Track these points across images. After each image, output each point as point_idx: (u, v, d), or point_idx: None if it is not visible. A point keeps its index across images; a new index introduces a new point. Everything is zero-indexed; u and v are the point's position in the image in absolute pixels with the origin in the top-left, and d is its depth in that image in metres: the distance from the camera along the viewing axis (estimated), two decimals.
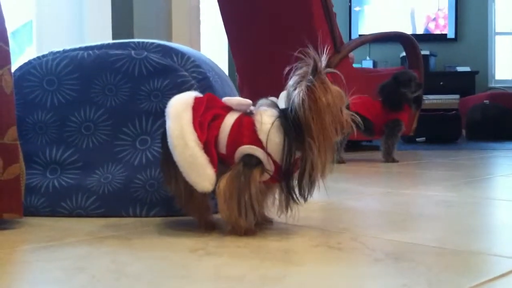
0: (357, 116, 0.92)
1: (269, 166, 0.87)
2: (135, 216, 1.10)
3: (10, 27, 3.00)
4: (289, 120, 0.85)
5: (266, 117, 0.88)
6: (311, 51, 0.85)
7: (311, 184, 0.87)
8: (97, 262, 0.76)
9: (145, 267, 0.73)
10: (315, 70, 0.85)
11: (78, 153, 1.16)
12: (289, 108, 0.86)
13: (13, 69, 1.04)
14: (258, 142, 0.87)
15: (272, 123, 0.87)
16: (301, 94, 0.84)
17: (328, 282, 0.65)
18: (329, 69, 0.87)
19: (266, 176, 0.88)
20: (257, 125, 0.88)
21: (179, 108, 0.92)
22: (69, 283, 0.66)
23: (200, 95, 0.97)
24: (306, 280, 0.66)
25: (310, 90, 0.84)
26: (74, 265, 0.74)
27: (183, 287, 0.64)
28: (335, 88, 0.88)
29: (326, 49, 0.87)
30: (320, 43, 0.85)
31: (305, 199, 0.88)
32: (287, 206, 0.89)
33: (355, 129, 0.94)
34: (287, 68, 0.86)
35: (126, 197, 1.10)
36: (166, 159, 0.91)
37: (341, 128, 0.88)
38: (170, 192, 0.96)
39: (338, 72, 0.90)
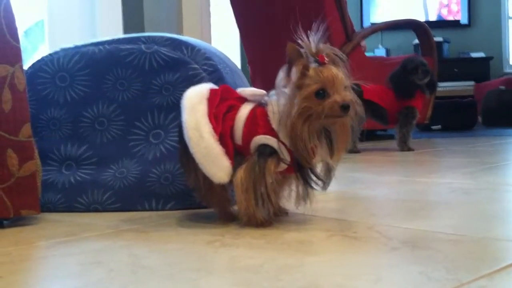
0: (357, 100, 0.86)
1: (285, 155, 0.87)
2: (151, 210, 1.10)
3: (23, 26, 3.04)
4: None
5: (277, 107, 0.87)
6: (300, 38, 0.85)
7: (327, 172, 0.88)
8: (114, 256, 0.76)
9: (161, 259, 0.73)
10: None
11: (93, 148, 1.17)
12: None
13: (25, 66, 1.05)
14: (272, 132, 0.87)
15: None
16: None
17: (345, 271, 0.65)
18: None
19: (283, 166, 0.88)
20: (270, 114, 0.88)
21: (194, 100, 0.92)
22: (87, 277, 0.66)
23: (215, 86, 0.97)
24: (322, 269, 0.66)
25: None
26: (91, 259, 0.74)
27: (200, 279, 0.64)
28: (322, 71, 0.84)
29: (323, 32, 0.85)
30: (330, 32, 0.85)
31: (324, 188, 0.88)
32: (304, 196, 0.88)
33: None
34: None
35: (141, 191, 1.11)
36: (184, 152, 0.92)
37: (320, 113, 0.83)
38: (190, 185, 0.96)
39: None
